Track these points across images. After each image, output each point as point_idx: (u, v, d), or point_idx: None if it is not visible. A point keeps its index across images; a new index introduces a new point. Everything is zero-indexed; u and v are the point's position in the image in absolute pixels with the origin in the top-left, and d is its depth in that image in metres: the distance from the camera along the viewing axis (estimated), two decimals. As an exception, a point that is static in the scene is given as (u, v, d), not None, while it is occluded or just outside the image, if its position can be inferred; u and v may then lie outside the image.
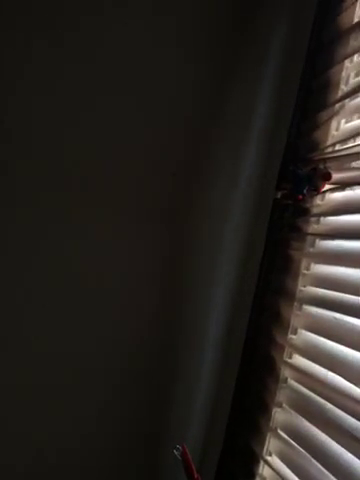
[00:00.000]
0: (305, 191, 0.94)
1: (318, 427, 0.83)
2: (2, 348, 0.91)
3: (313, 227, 0.96)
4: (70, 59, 0.90)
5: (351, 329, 0.80)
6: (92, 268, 0.96)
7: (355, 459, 0.73)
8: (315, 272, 0.95)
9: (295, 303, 0.96)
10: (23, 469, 0.96)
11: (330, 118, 0.93)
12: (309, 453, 0.83)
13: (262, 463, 0.98)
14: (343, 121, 0.94)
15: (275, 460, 0.94)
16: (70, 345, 0.96)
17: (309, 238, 0.95)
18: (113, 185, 0.96)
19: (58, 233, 0.92)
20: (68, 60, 0.90)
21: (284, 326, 0.97)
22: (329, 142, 0.94)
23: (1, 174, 0.87)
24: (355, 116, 0.91)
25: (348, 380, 0.77)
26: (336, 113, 0.92)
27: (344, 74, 0.94)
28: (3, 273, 0.89)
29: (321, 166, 0.91)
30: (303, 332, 0.94)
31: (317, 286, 0.92)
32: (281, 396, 0.96)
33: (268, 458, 0.96)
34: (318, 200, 0.96)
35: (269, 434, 0.97)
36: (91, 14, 0.90)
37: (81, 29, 0.90)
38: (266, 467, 0.96)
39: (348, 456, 0.75)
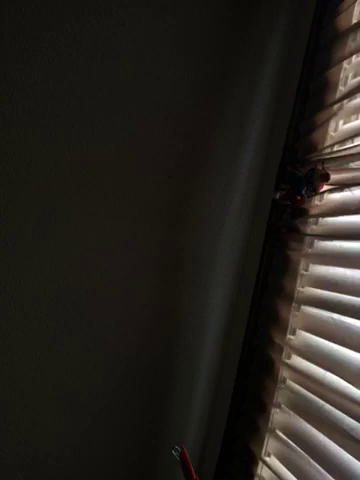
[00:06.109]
0: (303, 192, 0.94)
1: (316, 428, 0.83)
2: (1, 348, 0.90)
3: (311, 228, 0.96)
4: (68, 61, 0.90)
5: (349, 330, 0.80)
6: (89, 269, 0.96)
7: (353, 459, 0.74)
8: (313, 273, 0.95)
9: (293, 304, 0.96)
10: (23, 468, 0.95)
11: (328, 119, 0.93)
12: (307, 454, 0.83)
13: (261, 464, 0.98)
14: (341, 122, 0.94)
15: (274, 461, 0.94)
16: (69, 345, 0.96)
17: (307, 239, 0.96)
18: (111, 186, 0.96)
19: (57, 234, 0.92)
20: (66, 62, 0.89)
21: (282, 327, 0.97)
22: (327, 143, 0.95)
23: (0, 175, 0.87)
24: (353, 117, 0.91)
25: (346, 380, 0.77)
26: (334, 114, 0.92)
27: (342, 75, 0.94)
28: (2, 273, 0.89)
29: (319, 167, 0.91)
30: (301, 333, 0.94)
31: (315, 287, 0.92)
32: (280, 397, 0.96)
33: (267, 459, 0.96)
34: (316, 201, 0.96)
35: (268, 435, 0.97)
36: (91, 15, 0.90)
37: (79, 31, 0.90)
38: (265, 468, 0.96)
39: (346, 456, 0.75)
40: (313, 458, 0.82)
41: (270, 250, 1.06)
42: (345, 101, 0.90)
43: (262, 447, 0.97)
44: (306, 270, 0.96)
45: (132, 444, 1.07)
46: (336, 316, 0.84)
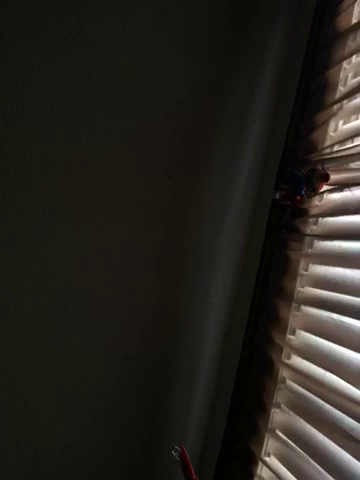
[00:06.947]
0: (303, 192, 0.94)
1: (316, 428, 0.83)
2: (1, 348, 0.90)
3: (311, 228, 0.96)
4: (68, 61, 0.90)
5: (349, 330, 0.80)
6: (89, 269, 0.96)
7: (353, 459, 0.74)
8: (313, 273, 0.95)
9: (293, 304, 0.96)
10: (23, 468, 0.95)
11: (328, 119, 0.93)
12: (307, 454, 0.83)
13: (260, 464, 0.98)
14: (341, 122, 0.94)
15: (273, 461, 0.94)
16: (69, 345, 0.96)
17: (307, 239, 0.96)
18: (111, 186, 0.96)
19: (57, 234, 0.92)
20: (66, 62, 0.89)
21: (282, 327, 0.97)
22: (327, 143, 0.95)
23: (0, 175, 0.87)
24: (353, 117, 0.91)
25: (346, 380, 0.77)
26: (334, 114, 0.92)
27: (342, 75, 0.94)
28: (2, 273, 0.89)
29: (319, 167, 0.91)
30: (301, 333, 0.94)
31: (315, 287, 0.92)
32: (279, 397, 0.96)
33: (266, 459, 0.96)
34: (316, 201, 0.96)
35: (267, 435, 0.97)
36: (91, 15, 0.90)
37: (79, 31, 0.90)
38: (264, 468, 0.96)
39: (346, 456, 0.75)
40: (313, 458, 0.82)
41: (270, 250, 1.06)
42: (345, 101, 0.90)
43: (262, 447, 0.97)
44: (306, 270, 0.96)
45: (132, 444, 1.07)
46: (336, 316, 0.84)
